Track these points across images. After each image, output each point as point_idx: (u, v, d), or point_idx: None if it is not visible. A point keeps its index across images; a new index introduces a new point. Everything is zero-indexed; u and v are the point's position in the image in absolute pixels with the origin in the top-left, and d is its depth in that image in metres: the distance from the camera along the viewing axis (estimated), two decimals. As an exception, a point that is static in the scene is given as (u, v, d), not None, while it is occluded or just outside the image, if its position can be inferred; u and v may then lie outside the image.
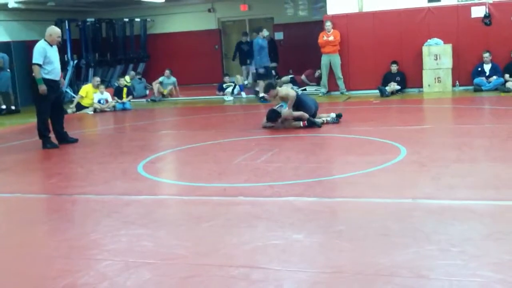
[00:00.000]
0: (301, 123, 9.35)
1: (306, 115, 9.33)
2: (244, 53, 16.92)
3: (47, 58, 8.76)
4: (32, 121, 13.14)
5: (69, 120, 13.21)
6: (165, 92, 15.98)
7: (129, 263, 4.02)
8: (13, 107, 15.00)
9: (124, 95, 14.85)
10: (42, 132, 9.04)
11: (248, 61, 16.53)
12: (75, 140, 9.39)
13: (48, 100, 8.91)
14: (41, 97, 8.82)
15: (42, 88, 8.70)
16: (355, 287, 3.44)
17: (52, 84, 8.86)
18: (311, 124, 9.30)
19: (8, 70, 15.06)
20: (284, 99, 9.56)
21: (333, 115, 9.68)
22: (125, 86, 15.19)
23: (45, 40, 8.92)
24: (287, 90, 9.86)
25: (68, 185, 6.67)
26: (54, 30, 9.02)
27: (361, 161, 6.81)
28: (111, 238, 4.59)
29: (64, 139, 9.30)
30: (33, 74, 8.79)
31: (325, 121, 9.52)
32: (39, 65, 8.70)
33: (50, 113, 9.06)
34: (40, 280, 3.90)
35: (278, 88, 9.86)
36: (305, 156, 7.50)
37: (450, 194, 5.21)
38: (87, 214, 5.39)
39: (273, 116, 9.52)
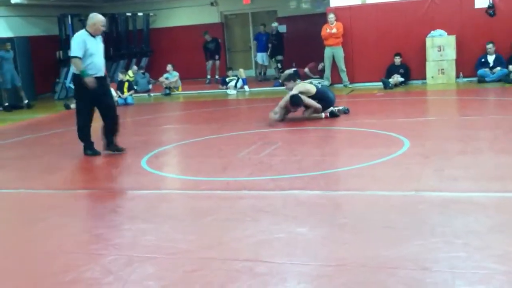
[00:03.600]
0: (323, 115, 9.41)
1: (318, 106, 9.36)
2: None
3: (87, 51, 7.53)
4: (37, 116, 13.23)
5: (72, 115, 13.23)
6: (173, 86, 16.01)
7: (133, 257, 4.03)
8: (26, 102, 14.96)
9: (126, 90, 14.85)
10: (80, 136, 7.94)
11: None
12: (121, 150, 7.91)
13: (87, 99, 7.67)
14: (79, 95, 7.80)
15: (89, 79, 7.46)
16: (359, 280, 3.44)
17: (95, 81, 7.61)
18: (333, 115, 9.42)
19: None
20: (304, 93, 9.43)
21: (341, 107, 9.74)
22: (127, 80, 15.18)
23: (86, 30, 7.72)
24: (306, 85, 9.63)
25: (72, 180, 6.69)
26: (98, 18, 7.73)
27: (365, 153, 6.80)
28: (115, 233, 4.61)
29: (107, 146, 7.93)
30: (73, 70, 7.73)
31: (337, 111, 9.56)
32: (80, 58, 7.50)
33: (101, 115, 7.91)
34: (44, 275, 3.92)
35: (297, 83, 9.73)
36: (309, 149, 7.49)
37: (453, 186, 5.21)
38: (91, 209, 5.41)
39: (298, 99, 9.31)
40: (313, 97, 9.36)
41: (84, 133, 7.85)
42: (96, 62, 7.62)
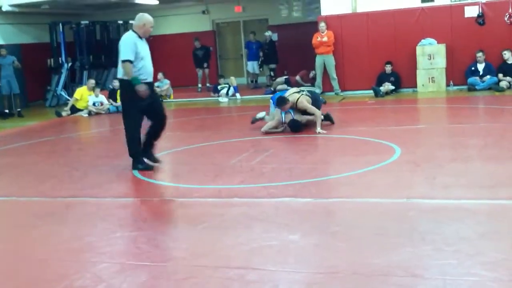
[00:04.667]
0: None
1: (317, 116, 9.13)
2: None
3: (138, 54, 6.89)
4: (29, 124, 13.18)
5: (64, 123, 13.23)
6: (164, 94, 16.01)
7: (125, 265, 4.02)
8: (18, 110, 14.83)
9: (118, 97, 14.81)
10: (131, 149, 7.13)
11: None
12: (157, 161, 7.29)
13: (138, 107, 6.91)
14: (129, 103, 6.95)
15: (142, 88, 6.73)
16: (351, 287, 3.45)
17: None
18: (328, 119, 9.49)
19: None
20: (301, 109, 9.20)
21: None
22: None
23: (134, 31, 7.13)
24: (305, 102, 9.17)
25: (63, 188, 6.66)
26: (148, 19, 7.19)
27: (356, 161, 6.82)
28: (107, 241, 4.60)
29: (147, 157, 7.26)
30: (121, 75, 6.95)
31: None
32: (131, 62, 6.82)
33: (151, 122, 7.23)
34: (36, 283, 3.90)
35: (291, 100, 9.18)
36: (300, 157, 7.52)
37: (444, 194, 5.24)
38: (83, 217, 5.39)
39: (298, 125, 9.06)
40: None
41: (136, 146, 7.10)
42: (147, 66, 7.04)
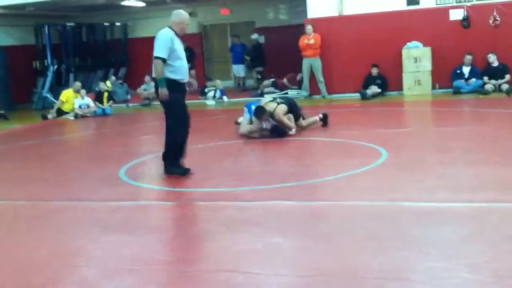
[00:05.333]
0: (317, 118, 9.55)
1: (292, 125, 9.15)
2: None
3: (175, 52, 6.49)
4: (15, 126, 13.09)
5: (50, 126, 13.15)
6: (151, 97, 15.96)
7: (112, 269, 4.01)
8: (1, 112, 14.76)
9: (105, 100, 14.78)
10: (170, 152, 6.76)
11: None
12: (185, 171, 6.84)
13: (182, 107, 6.67)
14: (175, 103, 6.57)
15: (164, 92, 6.43)
16: (337, 290, 3.48)
17: (182, 88, 6.72)
18: (325, 118, 9.60)
19: None
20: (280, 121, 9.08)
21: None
22: (106, 90, 15.12)
23: (170, 27, 6.66)
24: (281, 116, 9.01)
25: (50, 191, 6.63)
26: (184, 15, 6.75)
27: (343, 164, 6.85)
28: (94, 245, 4.58)
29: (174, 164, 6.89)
30: (153, 74, 6.59)
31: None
32: (164, 60, 6.44)
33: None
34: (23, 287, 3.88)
35: (268, 109, 9.01)
36: (287, 160, 7.53)
37: (430, 197, 5.27)
38: (69, 221, 5.36)
39: (282, 131, 8.96)
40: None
41: (176, 150, 6.78)
42: (185, 66, 6.66)
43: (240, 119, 9.81)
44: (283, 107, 9.08)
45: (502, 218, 4.60)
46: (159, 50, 6.43)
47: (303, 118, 9.51)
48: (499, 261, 3.69)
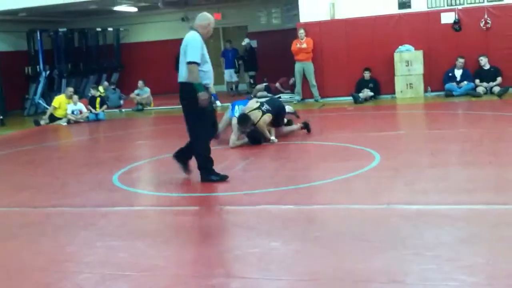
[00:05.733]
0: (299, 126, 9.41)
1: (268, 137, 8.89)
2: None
3: (203, 56, 6.32)
4: (7, 133, 13.03)
5: (42, 132, 13.11)
6: (144, 102, 15.96)
7: (106, 275, 3.99)
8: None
9: (98, 105, 14.76)
10: (204, 159, 6.51)
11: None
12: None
13: (208, 113, 6.48)
14: (200, 110, 6.34)
15: (204, 97, 6.24)
16: (333, 294, 3.48)
17: (209, 92, 6.46)
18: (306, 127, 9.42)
19: None
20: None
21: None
22: (99, 96, 15.09)
23: (196, 31, 6.43)
24: (263, 127, 8.77)
25: (43, 197, 6.60)
26: (211, 18, 6.53)
27: (336, 168, 6.86)
28: (88, 251, 4.56)
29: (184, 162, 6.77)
30: (185, 79, 6.33)
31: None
32: (198, 64, 6.25)
33: None
34: (16, 295, 3.86)
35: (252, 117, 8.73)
36: (281, 164, 7.54)
37: (424, 199, 5.29)
38: (63, 226, 5.34)
39: (258, 138, 8.75)
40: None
41: (209, 156, 6.53)
42: (211, 70, 6.51)
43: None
44: (266, 119, 8.75)
45: (497, 220, 4.62)
46: (193, 55, 6.22)
47: (286, 125, 9.36)
48: (494, 263, 3.70)
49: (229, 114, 9.20)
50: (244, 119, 8.61)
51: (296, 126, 9.49)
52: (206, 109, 6.38)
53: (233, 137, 8.77)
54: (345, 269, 3.78)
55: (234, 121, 8.82)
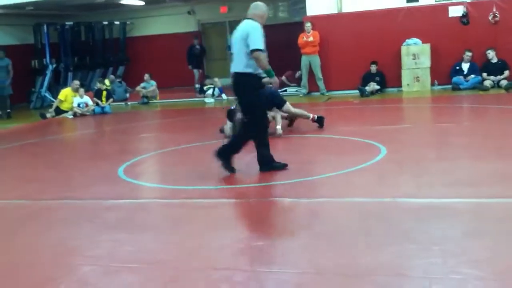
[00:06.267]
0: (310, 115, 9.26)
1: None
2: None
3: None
4: (13, 126, 13.07)
5: (49, 125, 13.14)
6: (150, 95, 15.98)
7: (111, 268, 4.00)
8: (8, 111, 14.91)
9: (104, 99, 14.78)
10: (266, 148, 6.50)
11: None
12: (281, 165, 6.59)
13: (264, 105, 6.53)
14: (258, 101, 6.35)
15: (276, 80, 6.47)
16: (337, 287, 3.46)
17: (261, 83, 6.55)
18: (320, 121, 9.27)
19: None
20: None
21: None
22: (105, 89, 15.11)
23: (254, 20, 6.38)
24: None
25: (48, 190, 6.62)
26: (266, 7, 6.53)
27: (342, 161, 6.84)
28: (93, 244, 4.57)
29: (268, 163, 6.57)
30: (243, 69, 6.25)
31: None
32: (262, 51, 6.18)
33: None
34: (21, 287, 3.86)
35: None
36: (286, 157, 7.49)
37: (429, 193, 5.26)
38: (68, 219, 5.35)
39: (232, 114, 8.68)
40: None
41: (269, 147, 6.52)
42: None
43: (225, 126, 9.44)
44: None
45: (503, 213, 4.59)
46: (258, 43, 6.13)
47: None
48: (500, 257, 3.68)
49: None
50: (232, 113, 8.61)
51: (308, 114, 9.30)
52: (261, 97, 6.36)
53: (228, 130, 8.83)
54: (350, 262, 3.77)
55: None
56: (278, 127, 8.79)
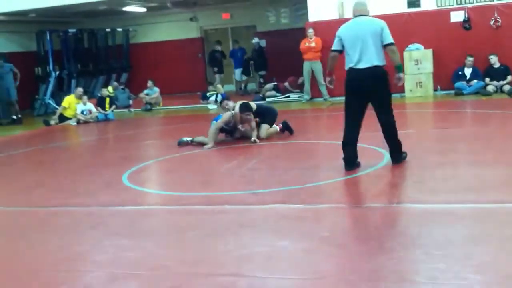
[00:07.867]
0: (278, 128, 9.32)
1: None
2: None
3: None
4: (17, 133, 13.10)
5: (52, 132, 13.17)
6: (154, 102, 16.03)
7: (115, 274, 4.01)
8: (14, 117, 14.99)
9: (107, 105, 14.81)
10: (399, 140, 6.80)
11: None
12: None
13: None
14: (389, 89, 6.78)
15: (402, 75, 6.79)
16: (341, 293, 3.47)
17: None
18: (287, 127, 9.31)
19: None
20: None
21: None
22: (108, 96, 15.14)
23: (366, 15, 6.96)
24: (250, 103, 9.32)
25: (52, 196, 6.63)
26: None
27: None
28: (96, 250, 4.58)
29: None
30: (382, 62, 6.66)
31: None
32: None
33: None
34: (25, 293, 3.88)
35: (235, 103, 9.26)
36: (289, 163, 7.52)
37: (433, 198, 5.26)
38: (71, 226, 5.36)
39: (248, 106, 9.03)
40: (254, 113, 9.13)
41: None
42: None
43: (186, 138, 9.36)
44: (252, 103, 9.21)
45: (506, 218, 4.59)
46: (390, 37, 6.58)
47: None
48: (504, 262, 3.68)
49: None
50: (246, 106, 9.00)
51: (274, 129, 9.32)
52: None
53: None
54: (353, 268, 3.77)
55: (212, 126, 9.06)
56: (254, 138, 8.87)
